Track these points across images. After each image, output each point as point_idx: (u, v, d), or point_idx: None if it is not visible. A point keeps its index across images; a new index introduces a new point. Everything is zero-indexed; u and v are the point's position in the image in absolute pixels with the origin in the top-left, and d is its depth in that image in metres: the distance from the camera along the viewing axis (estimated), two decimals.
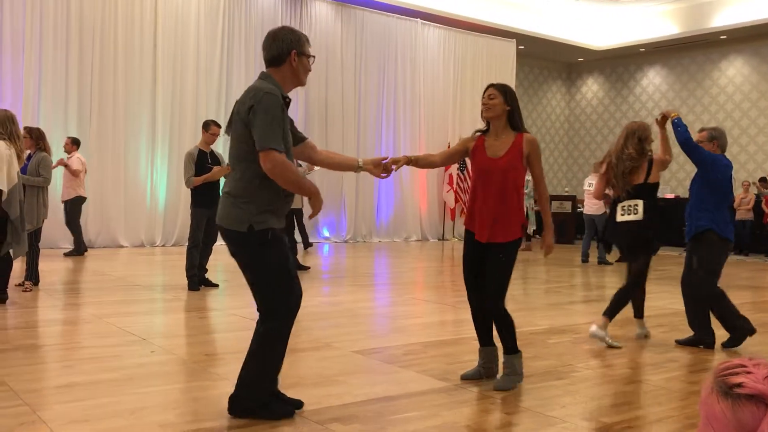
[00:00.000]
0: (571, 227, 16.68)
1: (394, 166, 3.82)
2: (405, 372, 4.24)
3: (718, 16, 16.35)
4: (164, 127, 12.61)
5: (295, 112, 13.95)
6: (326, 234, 14.77)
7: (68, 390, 3.68)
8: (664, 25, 17.36)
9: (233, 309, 6.28)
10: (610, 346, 5.09)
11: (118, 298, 6.75)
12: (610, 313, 5.20)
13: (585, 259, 11.89)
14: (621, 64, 19.83)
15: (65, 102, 11.69)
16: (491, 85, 4.04)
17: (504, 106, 3.93)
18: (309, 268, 9.43)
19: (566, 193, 17.57)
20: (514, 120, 3.97)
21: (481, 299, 3.99)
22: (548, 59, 20.20)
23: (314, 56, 3.38)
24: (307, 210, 10.57)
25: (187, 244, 7.58)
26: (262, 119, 3.04)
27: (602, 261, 11.71)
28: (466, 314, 6.41)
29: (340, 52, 14.94)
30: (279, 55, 3.25)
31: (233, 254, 3.25)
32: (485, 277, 3.94)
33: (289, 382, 3.91)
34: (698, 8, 16.65)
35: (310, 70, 3.36)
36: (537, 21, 17.33)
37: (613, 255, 12.62)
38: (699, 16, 16.70)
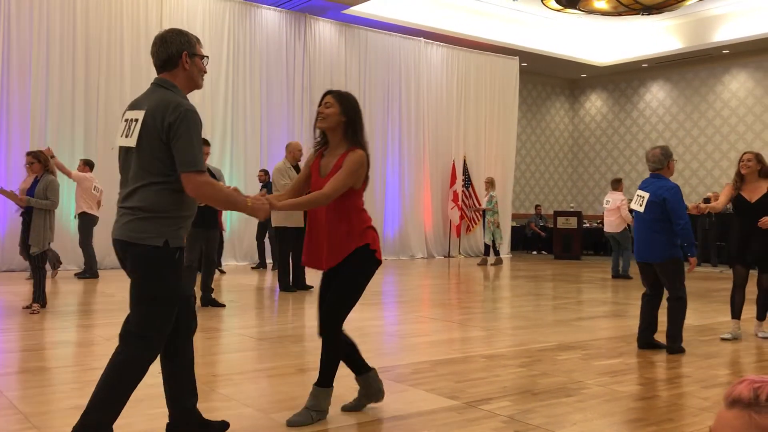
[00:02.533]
0: (577, 243, 16.64)
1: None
2: (414, 391, 4.22)
3: (721, 30, 16.41)
4: None
5: (301, 133, 14.02)
6: None
7: (77, 412, 3.65)
8: (667, 41, 17.43)
9: (240, 329, 6.27)
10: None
11: None
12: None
13: (615, 274, 11.96)
14: (624, 79, 19.89)
15: (72, 123, 11.78)
16: (329, 92, 3.71)
17: (340, 117, 3.61)
18: (312, 287, 9.41)
19: (572, 209, 17.54)
20: (349, 133, 3.64)
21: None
22: (551, 76, 20.28)
23: (207, 56, 3.19)
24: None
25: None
26: (187, 140, 2.86)
27: (623, 275, 11.83)
28: (474, 332, 6.42)
29: (345, 71, 15.04)
30: (170, 58, 3.05)
31: (133, 269, 2.95)
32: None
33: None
34: (701, 23, 16.72)
35: (205, 72, 3.17)
36: (539, 38, 17.43)
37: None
38: (701, 31, 16.77)
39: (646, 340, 5.75)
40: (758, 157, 6.18)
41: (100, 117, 12.01)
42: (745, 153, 6.27)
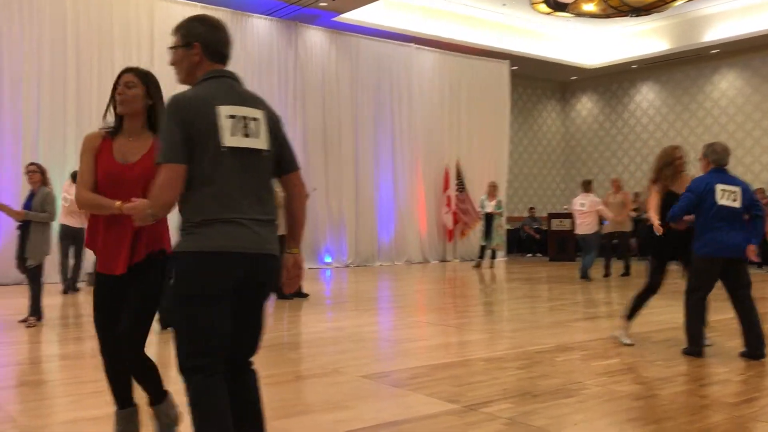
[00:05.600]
0: (571, 245, 16.67)
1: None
2: (413, 395, 4.22)
3: (709, 30, 16.51)
4: None
5: (295, 140, 13.99)
6: (328, 260, 14.76)
7: (74, 426, 3.65)
8: (656, 42, 17.53)
9: None
10: None
11: None
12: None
13: (584, 275, 11.89)
14: (615, 80, 19.97)
15: (64, 140, 11.73)
16: (129, 70, 3.23)
17: (146, 100, 3.19)
18: (308, 295, 9.38)
19: (565, 210, 17.58)
20: (152, 119, 3.20)
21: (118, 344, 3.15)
22: (542, 79, 20.34)
23: None
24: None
25: None
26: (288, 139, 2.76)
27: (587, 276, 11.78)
28: (472, 335, 6.42)
29: (336, 78, 15.05)
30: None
31: (273, 286, 2.69)
32: (128, 318, 3.10)
33: (298, 409, 3.89)
34: (689, 24, 16.82)
35: None
36: (529, 42, 17.50)
37: (596, 271, 12.62)
38: (690, 32, 16.87)
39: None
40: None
41: (93, 129, 11.96)
42: (676, 148, 5.97)
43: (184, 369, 2.49)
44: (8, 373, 4.90)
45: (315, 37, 14.83)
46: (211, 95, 2.55)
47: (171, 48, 2.71)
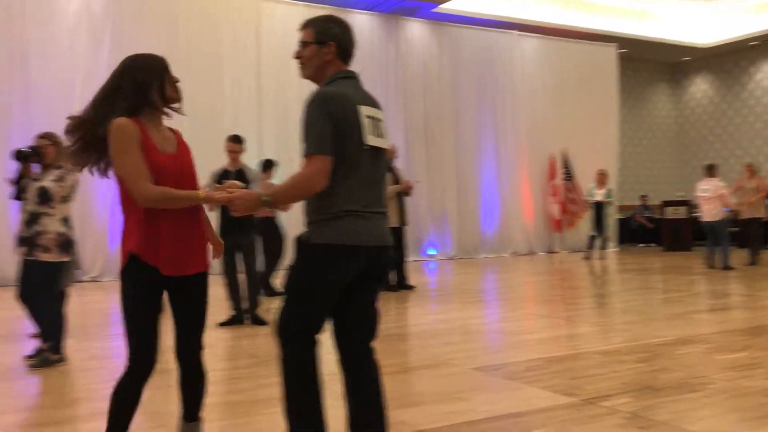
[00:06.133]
0: (687, 234, 15.91)
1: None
2: (528, 388, 4.14)
3: None
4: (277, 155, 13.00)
5: (396, 134, 14.08)
6: (432, 252, 14.76)
7: None
8: None
9: None
10: None
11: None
12: None
13: (711, 265, 11.35)
14: (730, 60, 18.87)
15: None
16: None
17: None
18: (414, 287, 9.42)
19: (680, 198, 16.78)
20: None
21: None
22: (652, 60, 19.50)
23: None
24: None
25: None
26: None
27: (727, 266, 11.16)
28: (584, 328, 6.24)
29: (437, 70, 15.01)
30: None
31: (387, 274, 2.86)
32: (191, 321, 2.83)
33: (412, 399, 3.91)
34: None
35: None
36: (638, 23, 16.79)
37: (739, 259, 11.96)
38: None
39: None
40: None
41: (204, 128, 12.42)
42: None
43: (286, 337, 2.68)
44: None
45: (416, 29, 14.84)
46: (351, 94, 2.68)
47: (303, 43, 2.80)
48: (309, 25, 2.81)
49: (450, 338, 5.86)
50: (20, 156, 5.27)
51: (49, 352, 5.05)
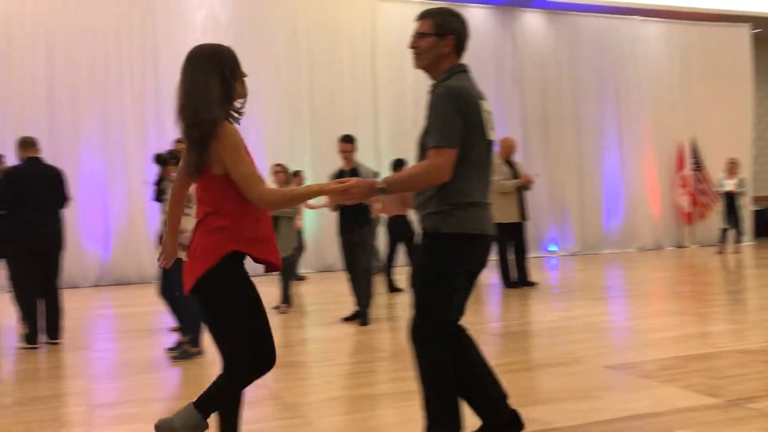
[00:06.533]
0: None
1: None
2: (665, 387, 3.96)
3: None
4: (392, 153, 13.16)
5: (514, 127, 13.86)
6: (553, 248, 14.43)
7: (334, 404, 3.92)
8: None
9: (468, 325, 6.31)
10: None
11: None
12: None
13: None
14: None
15: (302, 141, 12.63)
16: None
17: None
18: (536, 283, 9.24)
19: None
20: None
21: None
22: None
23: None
24: None
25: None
26: None
27: None
28: (720, 325, 5.90)
29: (555, 60, 14.64)
30: None
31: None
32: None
33: (543, 397, 3.84)
34: None
35: None
36: None
37: None
38: None
39: None
40: None
41: (326, 130, 12.72)
42: None
43: (428, 341, 2.74)
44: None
45: (532, 20, 14.55)
46: (473, 90, 2.76)
47: (421, 34, 2.80)
48: (428, 16, 2.83)
49: (576, 336, 5.71)
50: (160, 160, 5.62)
51: (189, 345, 5.36)
